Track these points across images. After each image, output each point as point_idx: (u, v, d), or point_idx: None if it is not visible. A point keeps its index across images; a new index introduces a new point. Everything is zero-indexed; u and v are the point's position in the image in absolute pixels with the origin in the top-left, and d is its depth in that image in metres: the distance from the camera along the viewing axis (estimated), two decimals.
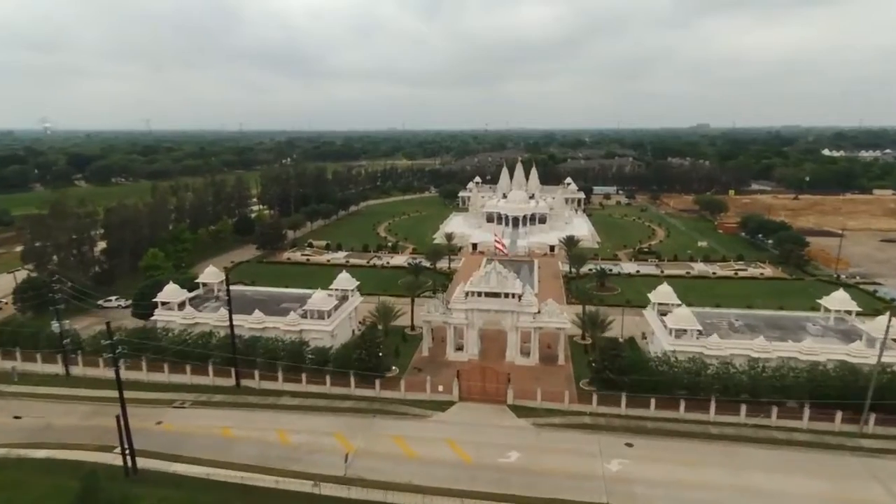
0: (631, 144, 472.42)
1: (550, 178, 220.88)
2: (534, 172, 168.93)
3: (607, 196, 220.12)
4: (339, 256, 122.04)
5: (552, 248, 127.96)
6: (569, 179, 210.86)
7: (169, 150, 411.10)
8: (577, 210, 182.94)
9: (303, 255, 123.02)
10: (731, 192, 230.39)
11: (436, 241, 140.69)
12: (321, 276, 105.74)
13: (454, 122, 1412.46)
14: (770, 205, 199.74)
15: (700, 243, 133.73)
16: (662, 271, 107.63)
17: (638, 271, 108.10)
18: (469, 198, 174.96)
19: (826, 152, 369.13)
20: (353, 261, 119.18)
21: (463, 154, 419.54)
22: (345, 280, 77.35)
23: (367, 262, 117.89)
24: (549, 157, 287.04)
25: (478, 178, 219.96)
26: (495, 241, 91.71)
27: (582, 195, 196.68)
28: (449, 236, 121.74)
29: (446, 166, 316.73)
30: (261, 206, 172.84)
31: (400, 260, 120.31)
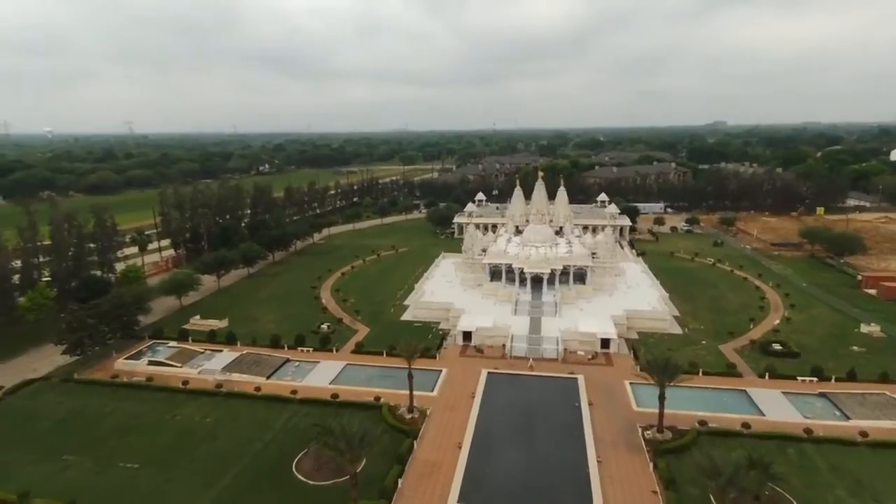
0: (658, 145, 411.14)
1: (575, 190, 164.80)
2: (562, 193, 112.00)
3: (659, 220, 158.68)
4: (216, 368, 65.71)
5: (606, 342, 71.02)
6: (603, 196, 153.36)
7: (129, 156, 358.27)
8: (622, 244, 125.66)
9: (150, 363, 67.08)
10: (820, 210, 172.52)
11: (405, 316, 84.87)
12: (161, 427, 52.34)
13: (461, 122, 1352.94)
14: (893, 231, 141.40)
15: (866, 328, 75.76)
16: (866, 435, 49.87)
17: (810, 431, 50.43)
18: (466, 227, 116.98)
19: None
20: (236, 377, 63.52)
21: (466, 159, 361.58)
22: None
23: (257, 388, 61.54)
24: (573, 164, 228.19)
25: (480, 196, 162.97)
26: None
27: (627, 221, 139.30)
28: (413, 350, 61.69)
29: (443, 175, 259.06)
30: (141, 252, 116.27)
31: (326, 374, 64.42)
